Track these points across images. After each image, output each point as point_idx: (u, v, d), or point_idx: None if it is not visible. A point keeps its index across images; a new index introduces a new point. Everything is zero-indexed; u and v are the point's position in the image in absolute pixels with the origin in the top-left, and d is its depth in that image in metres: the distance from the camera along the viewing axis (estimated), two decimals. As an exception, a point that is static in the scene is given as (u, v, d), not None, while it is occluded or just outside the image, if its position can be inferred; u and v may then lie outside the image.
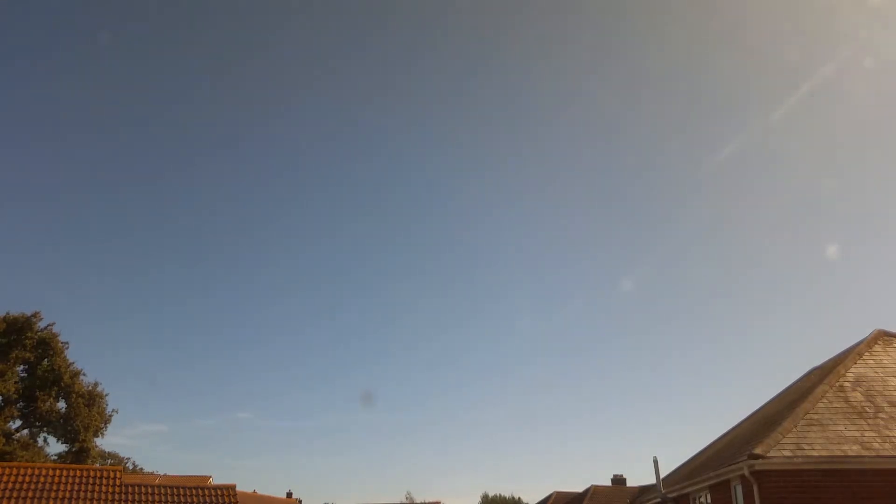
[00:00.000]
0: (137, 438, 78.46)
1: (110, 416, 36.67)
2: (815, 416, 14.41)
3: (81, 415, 34.31)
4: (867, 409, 14.68)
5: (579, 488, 43.46)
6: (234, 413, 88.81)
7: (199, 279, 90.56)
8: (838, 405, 14.82)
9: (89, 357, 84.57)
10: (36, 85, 72.63)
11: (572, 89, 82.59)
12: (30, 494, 19.83)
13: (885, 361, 16.59)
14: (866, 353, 16.89)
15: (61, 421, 34.67)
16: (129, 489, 21.15)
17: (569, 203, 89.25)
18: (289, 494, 50.57)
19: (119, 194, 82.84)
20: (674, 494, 18.29)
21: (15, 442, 33.41)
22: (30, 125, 74.94)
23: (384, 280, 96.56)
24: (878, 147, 71.98)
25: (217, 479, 38.61)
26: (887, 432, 13.90)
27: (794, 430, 13.95)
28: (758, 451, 13.21)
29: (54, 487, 20.30)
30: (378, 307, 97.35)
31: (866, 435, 13.81)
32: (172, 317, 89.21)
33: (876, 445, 13.50)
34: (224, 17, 75.04)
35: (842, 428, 14.03)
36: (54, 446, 42.17)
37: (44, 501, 19.70)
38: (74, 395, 34.55)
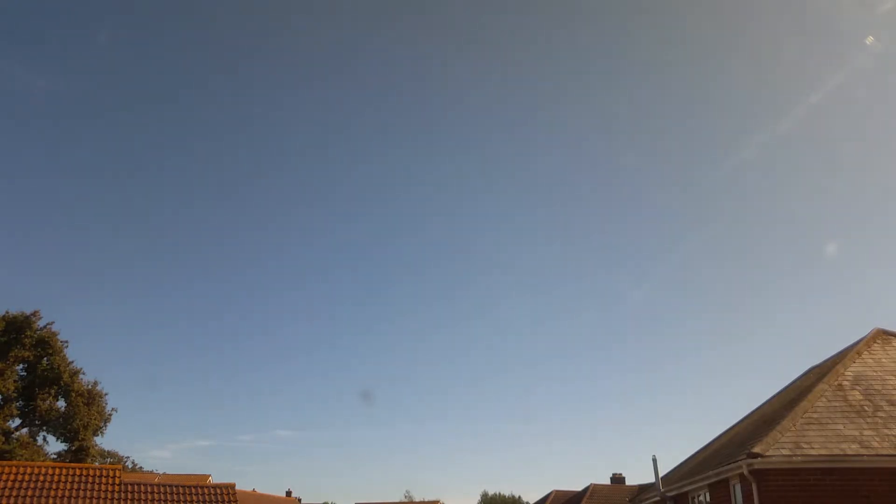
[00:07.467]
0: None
1: (110, 414, 36.67)
2: (814, 415, 14.42)
3: (81, 413, 34.26)
4: (866, 408, 14.70)
5: (578, 487, 43.49)
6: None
7: (206, 294, 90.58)
8: (837, 404, 14.83)
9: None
10: (35, 83, 72.58)
11: (577, 93, 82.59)
12: (29, 493, 19.83)
13: (884, 360, 16.60)
14: (865, 352, 16.90)
15: (61, 420, 34.65)
16: (129, 488, 21.14)
17: (576, 207, 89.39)
18: (288, 493, 50.58)
19: (125, 196, 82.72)
20: (673, 493, 18.31)
21: (14, 440, 33.36)
22: (29, 124, 74.81)
23: (385, 280, 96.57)
24: (879, 148, 72.21)
25: (216, 478, 38.65)
26: (886, 431, 13.92)
27: (793, 428, 13.96)
28: (757, 449, 13.22)
29: (53, 486, 20.28)
30: (378, 307, 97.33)
31: (865, 434, 13.82)
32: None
33: (875, 444, 13.52)
34: (226, 16, 74.98)
35: (840, 427, 14.05)
36: (53, 445, 42.16)
37: (43, 500, 19.70)
38: (74, 394, 34.51)
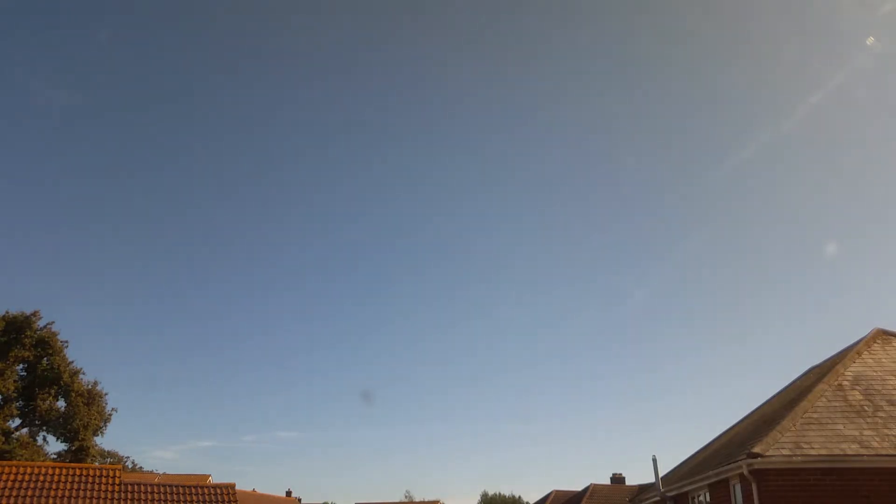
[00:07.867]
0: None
1: (110, 414, 36.69)
2: (814, 415, 14.42)
3: (81, 413, 34.27)
4: (866, 408, 14.70)
5: (578, 487, 43.51)
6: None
7: (207, 296, 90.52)
8: (837, 404, 14.83)
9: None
10: (35, 83, 72.56)
11: (577, 93, 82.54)
12: (29, 493, 19.82)
13: (884, 360, 16.60)
14: (865, 352, 16.90)
15: (60, 420, 34.64)
16: (129, 488, 21.14)
17: (575, 207, 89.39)
18: (288, 493, 50.56)
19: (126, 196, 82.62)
20: (673, 493, 18.31)
21: (14, 441, 33.35)
22: (29, 124, 74.77)
23: (385, 280, 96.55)
24: (879, 148, 72.27)
25: (217, 478, 38.65)
26: (886, 431, 13.92)
27: (793, 428, 13.96)
28: (757, 449, 13.23)
29: (53, 486, 20.28)
30: (378, 307, 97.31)
31: (865, 434, 13.83)
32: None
33: (875, 444, 13.52)
34: (226, 16, 74.95)
35: (840, 427, 14.05)
36: (53, 445, 42.14)
37: (43, 500, 19.70)
38: (74, 394, 34.51)
